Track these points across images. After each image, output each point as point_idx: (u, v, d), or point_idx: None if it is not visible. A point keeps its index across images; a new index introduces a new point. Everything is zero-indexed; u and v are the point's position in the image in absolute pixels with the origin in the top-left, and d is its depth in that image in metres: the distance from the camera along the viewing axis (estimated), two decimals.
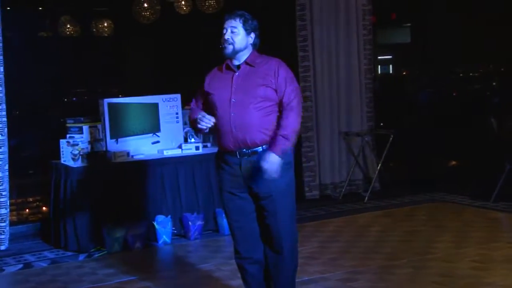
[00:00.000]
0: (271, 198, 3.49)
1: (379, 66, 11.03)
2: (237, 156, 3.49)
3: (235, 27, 3.51)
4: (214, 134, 3.70)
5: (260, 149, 3.46)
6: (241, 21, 3.53)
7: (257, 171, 3.43)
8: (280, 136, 3.42)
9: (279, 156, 3.38)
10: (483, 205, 6.52)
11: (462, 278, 4.34)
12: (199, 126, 3.51)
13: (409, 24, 10.79)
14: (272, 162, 3.37)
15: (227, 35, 3.50)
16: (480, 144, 7.08)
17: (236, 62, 3.55)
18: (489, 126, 6.80)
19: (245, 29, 3.53)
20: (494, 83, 10.97)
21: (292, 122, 3.44)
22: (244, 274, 3.67)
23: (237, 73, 3.53)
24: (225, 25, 3.54)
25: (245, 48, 3.53)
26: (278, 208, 3.51)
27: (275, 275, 3.61)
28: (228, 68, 3.57)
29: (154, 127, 5.99)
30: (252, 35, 3.55)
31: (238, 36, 3.51)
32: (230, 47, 3.50)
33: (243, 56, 3.54)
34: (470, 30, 9.74)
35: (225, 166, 3.55)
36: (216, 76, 3.61)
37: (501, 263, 4.60)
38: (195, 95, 3.73)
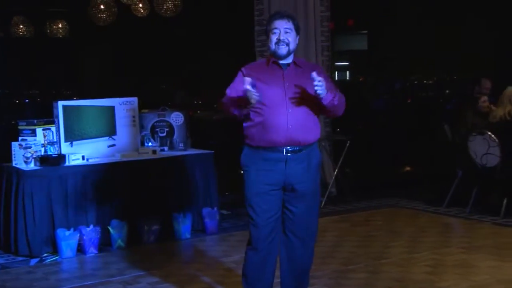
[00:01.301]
0: (311, 194, 3.64)
1: (336, 72, 11.16)
2: (283, 153, 3.53)
3: (288, 28, 3.58)
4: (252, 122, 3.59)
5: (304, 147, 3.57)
6: (293, 22, 3.61)
7: (302, 168, 3.55)
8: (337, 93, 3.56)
9: (326, 92, 3.44)
10: (436, 210, 6.64)
11: (415, 283, 4.40)
12: (253, 97, 3.39)
13: (366, 31, 10.96)
14: (323, 83, 3.41)
15: (282, 36, 3.55)
16: (434, 151, 7.21)
17: (282, 62, 3.59)
18: (442, 132, 6.93)
19: (296, 31, 3.62)
20: (447, 91, 11.22)
21: (342, 100, 3.60)
22: (251, 261, 3.67)
23: (286, 71, 3.58)
24: (276, 26, 3.57)
25: (295, 49, 3.62)
26: (314, 204, 3.68)
27: (301, 267, 3.76)
28: (275, 64, 3.59)
29: (110, 130, 5.91)
30: (298, 37, 3.65)
31: (292, 37, 3.59)
32: (286, 48, 3.56)
33: (291, 57, 3.61)
34: (425, 38, 9.93)
35: (262, 162, 3.56)
36: (262, 70, 3.60)
37: (452, 268, 4.69)
38: (230, 86, 3.62)
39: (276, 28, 3.57)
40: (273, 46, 3.56)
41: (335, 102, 3.53)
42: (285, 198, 3.64)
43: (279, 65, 3.59)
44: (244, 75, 3.57)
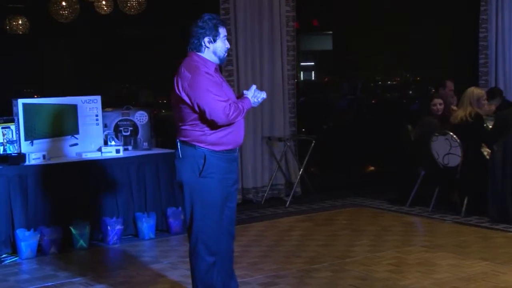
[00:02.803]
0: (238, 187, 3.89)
1: (301, 72, 11.19)
2: (236, 153, 3.68)
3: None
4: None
5: None
6: None
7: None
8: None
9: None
10: (399, 209, 6.72)
11: (378, 281, 4.43)
12: (261, 100, 3.68)
13: (331, 32, 11.01)
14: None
15: (228, 44, 3.67)
16: (397, 151, 7.29)
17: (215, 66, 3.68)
18: (405, 133, 7.01)
19: None
20: (410, 92, 11.37)
21: None
22: (214, 275, 3.68)
23: (218, 72, 3.67)
24: (226, 33, 3.64)
25: None
26: None
27: (232, 260, 3.86)
28: (212, 65, 3.64)
29: (72, 129, 5.82)
30: None
31: None
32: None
33: None
34: (390, 39, 10.01)
35: (226, 165, 3.61)
36: (214, 75, 3.61)
37: (415, 266, 4.74)
38: (218, 93, 3.51)
39: (225, 36, 3.63)
40: (223, 53, 3.63)
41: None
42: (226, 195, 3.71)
43: (215, 68, 3.67)
44: (218, 82, 3.58)
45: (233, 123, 3.58)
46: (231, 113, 3.50)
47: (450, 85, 7.27)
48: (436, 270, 4.64)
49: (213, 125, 3.53)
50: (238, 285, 3.94)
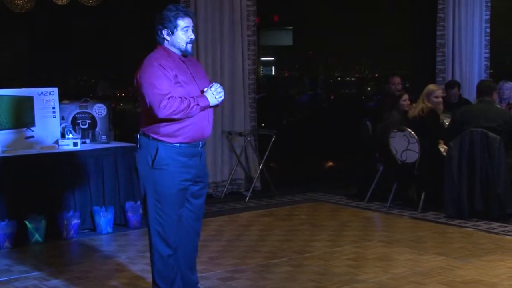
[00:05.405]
0: (207, 184, 3.84)
1: (261, 67, 11.20)
2: (199, 147, 3.60)
3: (193, 26, 3.62)
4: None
5: None
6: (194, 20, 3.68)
7: (205, 160, 3.70)
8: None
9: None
10: (358, 205, 6.78)
11: (337, 276, 4.47)
12: (220, 100, 3.55)
13: (291, 27, 11.06)
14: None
15: (193, 35, 3.59)
16: (356, 146, 7.36)
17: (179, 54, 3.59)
18: (364, 128, 7.08)
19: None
20: (369, 88, 11.52)
21: None
22: (172, 268, 3.65)
23: (189, 66, 3.60)
24: (188, 24, 3.56)
25: None
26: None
27: (194, 257, 3.87)
28: (179, 59, 3.58)
29: (28, 122, 5.70)
30: None
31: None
32: (191, 46, 3.59)
33: None
34: (350, 36, 10.12)
35: (182, 158, 3.55)
36: (172, 65, 3.52)
37: (373, 261, 4.80)
38: (160, 85, 3.42)
39: (187, 26, 3.57)
40: (184, 45, 3.56)
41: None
42: (190, 192, 3.67)
43: (181, 59, 3.60)
44: (170, 73, 3.48)
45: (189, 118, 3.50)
46: (167, 107, 3.40)
47: (392, 80, 7.35)
48: (393, 265, 4.70)
49: (157, 117, 3.46)
50: (198, 281, 3.93)
